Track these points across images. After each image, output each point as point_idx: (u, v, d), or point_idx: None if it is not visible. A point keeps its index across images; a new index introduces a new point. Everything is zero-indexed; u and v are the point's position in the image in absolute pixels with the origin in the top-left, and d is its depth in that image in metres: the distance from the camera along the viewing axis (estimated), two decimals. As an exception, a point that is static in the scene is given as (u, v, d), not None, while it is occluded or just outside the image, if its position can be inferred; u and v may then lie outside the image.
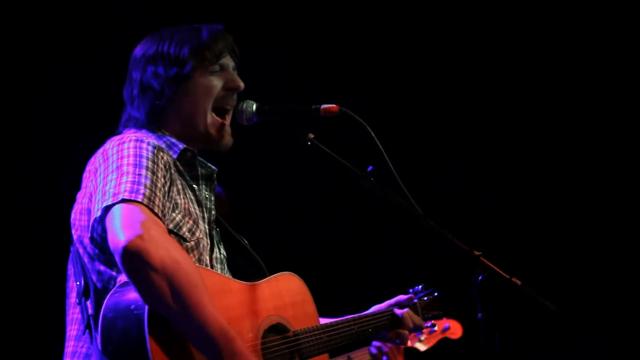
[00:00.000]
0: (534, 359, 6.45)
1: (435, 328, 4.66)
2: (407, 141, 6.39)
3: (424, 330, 4.67)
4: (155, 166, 3.01)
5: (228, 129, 3.40)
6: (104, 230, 2.90)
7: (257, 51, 6.04)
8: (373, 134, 3.24)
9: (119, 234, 2.79)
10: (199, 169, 3.34)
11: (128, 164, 2.98)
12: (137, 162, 2.99)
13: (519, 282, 3.08)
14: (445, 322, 4.69)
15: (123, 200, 2.86)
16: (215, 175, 3.39)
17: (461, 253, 3.13)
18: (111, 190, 2.90)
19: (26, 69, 5.59)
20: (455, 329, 4.69)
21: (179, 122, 3.32)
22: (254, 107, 3.36)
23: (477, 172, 6.61)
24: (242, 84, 3.40)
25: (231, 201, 5.21)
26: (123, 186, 2.90)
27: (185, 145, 3.27)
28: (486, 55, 6.59)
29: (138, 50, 3.38)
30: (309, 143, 3.29)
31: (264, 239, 3.85)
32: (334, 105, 3.30)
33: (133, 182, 2.91)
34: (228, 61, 3.40)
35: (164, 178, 3.03)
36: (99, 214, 2.90)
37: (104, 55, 5.46)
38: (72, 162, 3.52)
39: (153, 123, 3.32)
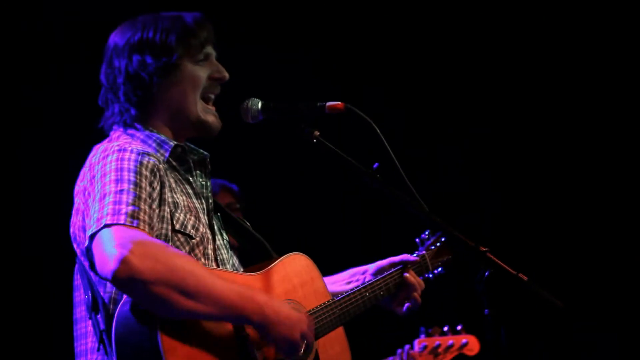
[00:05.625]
0: (540, 355, 6.45)
1: (452, 342, 4.63)
2: (409, 139, 6.39)
3: (441, 346, 4.65)
4: (139, 176, 2.98)
5: (216, 113, 3.36)
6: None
7: (257, 49, 6.07)
8: (378, 131, 3.24)
9: (105, 263, 2.79)
10: (191, 158, 3.31)
11: (110, 182, 2.95)
12: (119, 177, 2.96)
13: (525, 278, 3.08)
14: (463, 338, 4.67)
15: (105, 226, 2.85)
16: (207, 160, 3.36)
17: (468, 249, 3.13)
18: (95, 215, 2.89)
19: (27, 69, 5.60)
20: (472, 345, 4.68)
21: (168, 113, 3.28)
22: (259, 105, 3.34)
23: (479, 167, 6.62)
24: (227, 74, 3.37)
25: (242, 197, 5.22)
26: (105, 209, 2.88)
27: (175, 142, 3.24)
28: (489, 52, 6.58)
29: (118, 38, 3.30)
30: (315, 140, 3.28)
31: (270, 233, 3.84)
32: (339, 103, 3.29)
33: (114, 203, 2.89)
34: (211, 50, 3.36)
35: (151, 185, 3.01)
36: (87, 243, 2.90)
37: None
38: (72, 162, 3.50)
39: (142, 114, 3.27)
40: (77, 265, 3.17)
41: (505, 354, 3.06)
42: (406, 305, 3.80)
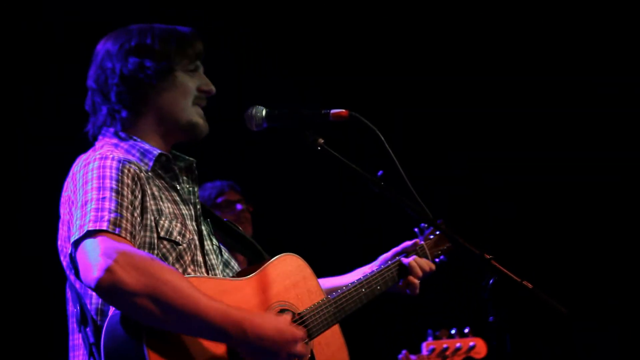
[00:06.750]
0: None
1: (460, 345, 4.62)
2: (411, 142, 6.38)
3: (449, 349, 4.64)
4: (120, 184, 2.99)
5: (204, 117, 3.36)
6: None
7: (260, 53, 6.05)
8: (383, 139, 3.23)
9: (89, 271, 2.79)
10: (177, 165, 3.31)
11: (92, 189, 2.96)
12: (101, 185, 2.97)
13: (530, 286, 3.07)
14: (470, 341, 4.66)
15: (88, 233, 2.85)
16: (194, 166, 3.37)
17: (472, 256, 3.12)
18: (77, 222, 2.90)
19: (27, 69, 5.59)
20: (480, 348, 4.67)
21: (157, 116, 3.29)
22: (264, 112, 3.34)
23: (483, 174, 6.61)
24: (214, 88, 3.37)
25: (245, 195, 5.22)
26: (88, 216, 2.88)
27: (159, 152, 3.24)
28: (489, 54, 6.57)
29: (110, 44, 3.30)
30: (319, 148, 3.28)
31: (274, 238, 3.84)
32: (344, 110, 3.29)
33: (97, 210, 2.90)
34: (200, 64, 3.38)
35: (132, 193, 3.02)
36: (70, 250, 2.90)
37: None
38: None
39: (131, 116, 3.27)
40: (67, 281, 3.17)
41: (511, 360, 3.07)
42: (406, 290, 3.81)
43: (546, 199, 6.61)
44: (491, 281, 3.09)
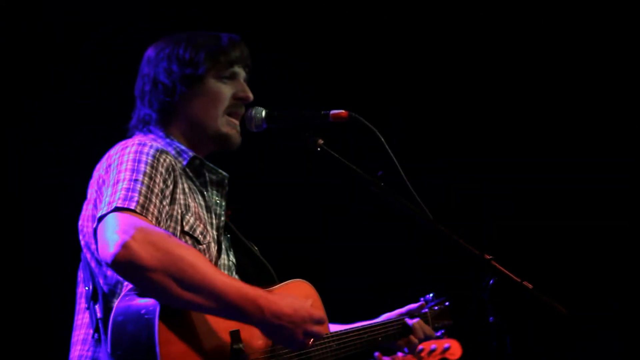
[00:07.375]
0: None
1: (435, 347, 4.64)
2: (409, 142, 6.37)
3: (424, 350, 4.68)
4: (154, 170, 3.02)
5: (238, 128, 3.41)
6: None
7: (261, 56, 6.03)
8: (383, 139, 3.23)
9: (106, 247, 2.80)
10: (208, 175, 3.34)
11: (126, 170, 2.99)
12: (135, 167, 3.00)
13: (530, 286, 3.07)
14: (445, 342, 4.67)
15: (116, 209, 2.87)
16: (226, 181, 3.39)
17: (472, 257, 3.12)
18: (107, 199, 2.92)
19: (27, 69, 5.57)
20: (455, 350, 4.67)
21: (188, 123, 3.35)
22: (263, 113, 3.37)
23: (483, 174, 6.60)
24: (251, 95, 3.41)
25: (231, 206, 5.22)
26: (118, 194, 2.91)
27: (194, 153, 3.29)
28: (485, 53, 6.56)
29: (151, 51, 3.42)
30: (319, 149, 3.29)
31: (274, 244, 3.83)
32: (343, 111, 3.30)
33: (127, 189, 2.92)
34: (240, 70, 3.42)
35: (165, 182, 3.04)
36: (95, 224, 2.91)
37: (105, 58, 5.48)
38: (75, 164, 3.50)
39: (163, 121, 3.35)
40: (81, 261, 3.19)
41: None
42: (405, 349, 3.89)
43: (546, 199, 6.59)
44: (491, 282, 3.09)
